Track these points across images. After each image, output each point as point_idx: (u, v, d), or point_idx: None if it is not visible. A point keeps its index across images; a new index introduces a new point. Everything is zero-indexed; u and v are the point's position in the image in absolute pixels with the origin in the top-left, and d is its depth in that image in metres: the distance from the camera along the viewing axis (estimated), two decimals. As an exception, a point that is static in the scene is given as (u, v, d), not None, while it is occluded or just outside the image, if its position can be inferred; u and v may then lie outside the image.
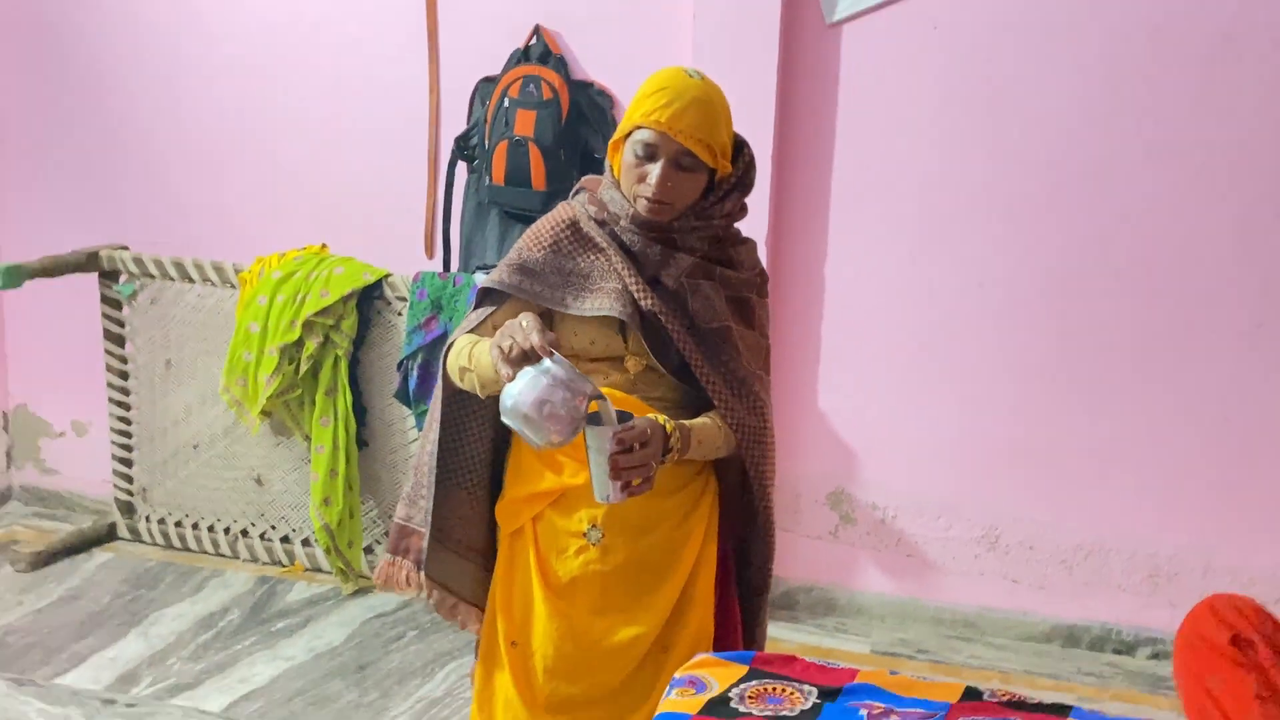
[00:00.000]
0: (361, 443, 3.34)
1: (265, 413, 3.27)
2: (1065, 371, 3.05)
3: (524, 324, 1.55)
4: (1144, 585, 3.12)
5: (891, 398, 3.19)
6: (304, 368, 3.21)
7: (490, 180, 3.09)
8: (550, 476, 1.81)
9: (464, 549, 1.96)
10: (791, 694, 1.63)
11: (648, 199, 1.70)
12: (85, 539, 3.58)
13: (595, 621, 1.83)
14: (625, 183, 1.73)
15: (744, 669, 1.71)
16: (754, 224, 2.79)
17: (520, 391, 1.53)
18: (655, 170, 1.68)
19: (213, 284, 3.41)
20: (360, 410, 3.32)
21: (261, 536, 3.54)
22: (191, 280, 3.41)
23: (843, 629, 3.26)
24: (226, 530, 3.55)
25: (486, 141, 3.10)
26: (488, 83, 3.19)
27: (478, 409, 1.89)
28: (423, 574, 1.91)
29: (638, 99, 1.69)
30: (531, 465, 1.83)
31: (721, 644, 1.91)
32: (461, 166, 3.27)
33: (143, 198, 3.60)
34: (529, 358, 1.53)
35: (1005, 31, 2.91)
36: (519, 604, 1.86)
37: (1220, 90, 2.83)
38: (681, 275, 1.76)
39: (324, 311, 3.16)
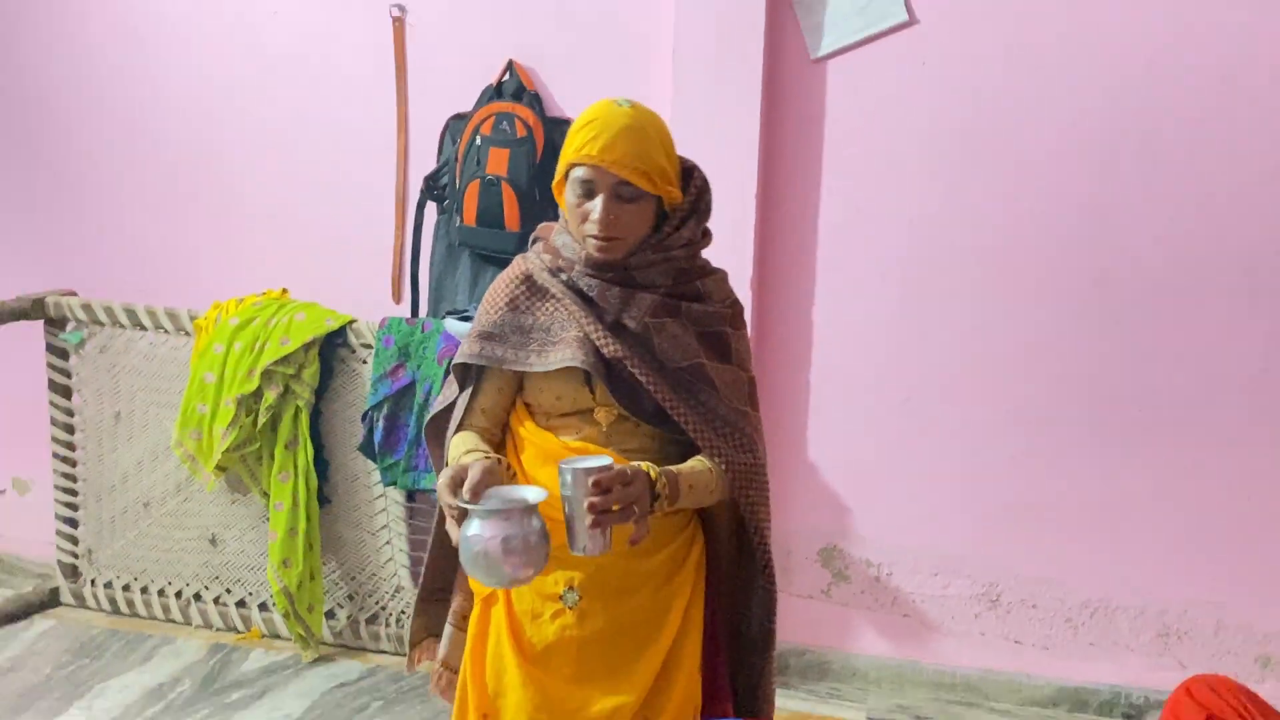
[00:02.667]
0: (323, 499, 3.26)
1: (220, 468, 3.20)
2: (1068, 421, 2.98)
3: (439, 482, 1.59)
4: (1154, 645, 3.04)
5: (885, 448, 3.10)
6: (262, 420, 3.14)
7: (461, 221, 3.06)
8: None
9: (458, 618, 1.96)
10: None
11: (595, 237, 1.69)
12: (25, 605, 3.48)
13: (573, 691, 1.78)
14: (573, 224, 1.73)
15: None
16: (739, 265, 2.86)
17: (462, 546, 1.56)
18: (597, 206, 1.67)
19: (166, 331, 3.34)
20: (322, 464, 3.25)
21: (216, 601, 3.46)
22: (143, 328, 3.35)
23: (837, 694, 3.18)
24: (178, 594, 3.47)
25: (457, 181, 3.06)
26: (459, 120, 3.15)
27: None
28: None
29: (569, 136, 1.69)
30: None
31: (710, 714, 1.87)
32: (431, 207, 3.22)
33: (92, 240, 3.55)
34: (465, 512, 1.57)
35: (995, 66, 2.86)
36: (491, 673, 1.81)
37: (1220, 128, 2.78)
38: (644, 315, 1.73)
39: (284, 360, 3.11)
